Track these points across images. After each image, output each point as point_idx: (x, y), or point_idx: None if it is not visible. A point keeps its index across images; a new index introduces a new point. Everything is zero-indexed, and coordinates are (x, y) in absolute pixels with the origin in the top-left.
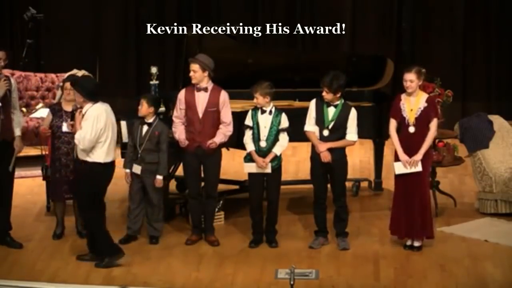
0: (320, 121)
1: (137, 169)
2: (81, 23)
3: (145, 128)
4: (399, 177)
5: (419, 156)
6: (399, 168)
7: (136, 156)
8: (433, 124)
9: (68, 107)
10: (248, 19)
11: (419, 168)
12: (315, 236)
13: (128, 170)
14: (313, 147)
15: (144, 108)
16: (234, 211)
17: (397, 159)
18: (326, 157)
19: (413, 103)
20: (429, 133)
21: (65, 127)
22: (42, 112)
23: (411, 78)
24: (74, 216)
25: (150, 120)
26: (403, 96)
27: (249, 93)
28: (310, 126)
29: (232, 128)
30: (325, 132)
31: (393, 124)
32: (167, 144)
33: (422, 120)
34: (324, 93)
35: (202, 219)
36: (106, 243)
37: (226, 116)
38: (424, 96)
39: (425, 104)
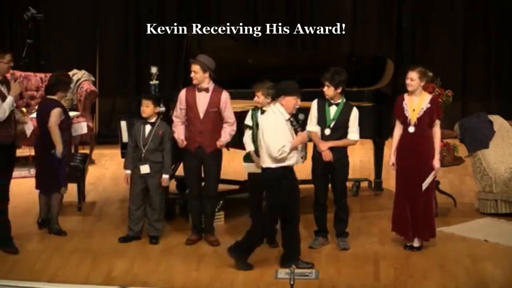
0: (322, 120)
1: (144, 169)
2: (81, 23)
3: (148, 128)
4: (402, 177)
5: (437, 163)
6: (425, 185)
7: (140, 157)
8: (437, 127)
9: None
10: (248, 19)
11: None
12: (315, 236)
13: (129, 171)
14: (315, 147)
15: (150, 109)
16: (234, 211)
17: (401, 162)
18: (327, 156)
19: (416, 103)
20: (436, 136)
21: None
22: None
23: (411, 77)
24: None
25: (153, 120)
26: (406, 95)
27: (250, 93)
28: (312, 126)
29: (236, 127)
30: (327, 131)
31: (397, 126)
32: (171, 143)
33: (424, 121)
34: (325, 88)
35: (202, 219)
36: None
37: (230, 116)
38: (427, 97)
39: (428, 105)
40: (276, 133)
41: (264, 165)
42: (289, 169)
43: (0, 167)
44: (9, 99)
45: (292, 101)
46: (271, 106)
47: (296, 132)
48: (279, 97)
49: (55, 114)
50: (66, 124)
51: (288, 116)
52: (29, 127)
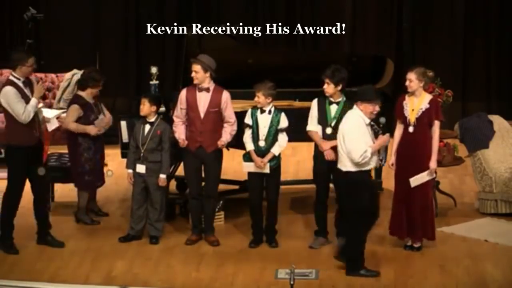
0: (323, 119)
1: (141, 168)
2: (81, 23)
3: (147, 127)
4: (400, 178)
5: (434, 164)
6: (415, 181)
7: (139, 156)
8: (436, 127)
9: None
10: (248, 19)
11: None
12: (315, 236)
13: (130, 171)
14: (316, 146)
15: (146, 107)
16: (234, 211)
17: (401, 162)
18: (330, 155)
19: (415, 104)
20: (434, 137)
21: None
22: (43, 112)
23: (410, 77)
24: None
25: (152, 119)
26: (407, 96)
27: (249, 93)
28: (312, 125)
29: (236, 127)
30: (328, 130)
31: (398, 126)
32: (170, 143)
33: (423, 121)
34: (325, 86)
35: (202, 219)
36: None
37: (231, 115)
38: (427, 97)
39: (428, 106)
40: (358, 138)
41: (345, 169)
42: (369, 173)
43: (21, 167)
44: (33, 101)
45: (369, 108)
46: (351, 111)
47: (376, 135)
48: (356, 102)
49: (70, 111)
50: (88, 121)
51: (368, 121)
52: (52, 123)
